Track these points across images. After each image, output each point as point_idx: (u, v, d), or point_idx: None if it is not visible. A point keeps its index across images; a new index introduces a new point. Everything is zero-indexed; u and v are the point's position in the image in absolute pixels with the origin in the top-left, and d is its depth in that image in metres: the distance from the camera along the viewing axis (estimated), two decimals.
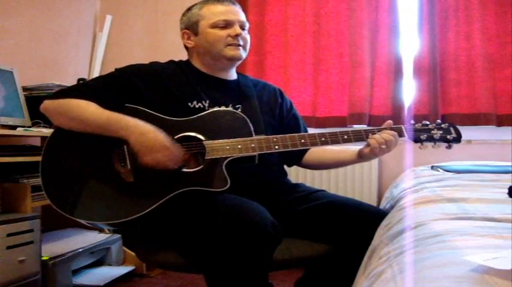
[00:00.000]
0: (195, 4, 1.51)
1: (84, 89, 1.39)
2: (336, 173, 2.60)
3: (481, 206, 1.06)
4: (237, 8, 1.49)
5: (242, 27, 1.47)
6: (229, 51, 1.45)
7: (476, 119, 2.46)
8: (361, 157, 1.44)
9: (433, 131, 1.38)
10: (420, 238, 0.82)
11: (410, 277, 0.63)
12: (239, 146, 1.31)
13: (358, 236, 1.27)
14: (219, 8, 1.46)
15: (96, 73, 2.91)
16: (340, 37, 2.66)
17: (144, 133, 1.28)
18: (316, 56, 2.69)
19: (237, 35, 1.45)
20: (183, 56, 1.58)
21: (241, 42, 1.47)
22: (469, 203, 1.12)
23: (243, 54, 1.49)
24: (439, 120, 1.42)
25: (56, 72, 2.70)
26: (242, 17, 1.49)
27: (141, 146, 1.28)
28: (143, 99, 1.38)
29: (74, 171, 1.34)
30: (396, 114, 2.53)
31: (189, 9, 1.51)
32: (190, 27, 1.49)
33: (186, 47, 1.54)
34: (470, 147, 2.47)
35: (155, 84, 1.41)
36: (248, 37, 1.50)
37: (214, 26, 1.44)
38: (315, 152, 1.58)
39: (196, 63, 1.52)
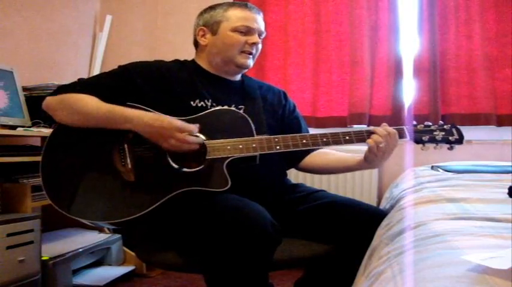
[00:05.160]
0: (220, 4, 1.50)
1: (85, 85, 1.39)
2: None
3: (481, 206, 1.06)
4: (261, 17, 1.50)
5: (259, 36, 1.48)
6: (241, 59, 1.46)
7: (476, 119, 2.46)
8: (367, 162, 1.41)
9: (435, 133, 1.37)
10: (420, 238, 0.82)
11: (410, 277, 0.63)
12: (240, 146, 1.31)
13: (358, 236, 1.27)
14: (245, 13, 1.46)
15: (96, 73, 2.91)
16: (340, 37, 2.66)
17: (150, 124, 1.27)
18: (316, 56, 2.69)
19: (253, 44, 1.46)
20: (183, 56, 1.57)
21: (253, 51, 1.48)
22: (469, 203, 1.12)
23: (252, 63, 1.50)
24: (441, 122, 1.42)
25: (56, 72, 2.70)
26: (263, 26, 1.50)
27: (153, 135, 1.28)
28: (145, 97, 1.38)
29: (75, 170, 1.33)
30: (396, 114, 2.53)
31: (212, 7, 1.50)
32: (210, 25, 1.47)
33: (196, 45, 1.54)
34: (470, 147, 2.47)
35: (157, 82, 1.41)
36: (260, 46, 1.50)
37: (235, 30, 1.44)
38: (320, 157, 1.56)
39: (203, 62, 1.52)
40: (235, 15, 1.45)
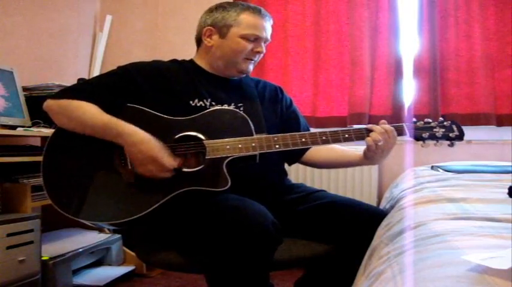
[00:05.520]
0: (233, 4, 1.46)
1: (86, 89, 1.39)
2: (336, 173, 2.60)
3: (481, 206, 1.06)
4: (270, 25, 1.49)
5: (264, 42, 1.48)
6: (243, 65, 1.46)
7: (476, 119, 2.46)
8: (366, 158, 1.42)
9: (435, 129, 1.37)
10: (420, 238, 0.82)
11: (410, 277, 0.63)
12: (240, 146, 1.31)
13: (358, 236, 1.27)
14: (257, 21, 1.44)
15: (96, 73, 2.91)
16: (340, 37, 2.66)
17: (134, 144, 1.27)
18: (316, 56, 2.69)
19: (258, 52, 1.46)
20: (183, 56, 1.57)
21: (256, 58, 1.48)
22: (469, 203, 1.12)
23: (252, 68, 1.50)
24: (441, 118, 1.41)
25: (56, 72, 2.70)
26: (270, 34, 1.49)
27: (132, 157, 1.28)
28: (144, 97, 1.38)
29: (75, 171, 1.34)
30: (396, 114, 2.53)
31: (224, 7, 1.46)
32: (219, 27, 1.44)
33: (198, 43, 1.52)
34: (470, 147, 2.47)
35: (157, 82, 1.41)
36: (263, 53, 1.50)
37: (244, 37, 1.43)
38: (322, 151, 1.56)
39: (202, 62, 1.51)
40: (247, 22, 1.43)
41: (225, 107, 1.42)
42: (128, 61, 1.48)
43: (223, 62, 1.47)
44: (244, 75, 1.53)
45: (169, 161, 1.27)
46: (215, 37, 1.46)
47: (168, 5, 3.01)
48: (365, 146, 1.38)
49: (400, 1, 2.58)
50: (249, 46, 1.44)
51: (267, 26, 1.47)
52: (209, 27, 1.46)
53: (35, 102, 2.20)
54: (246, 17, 1.43)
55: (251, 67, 1.49)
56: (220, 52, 1.46)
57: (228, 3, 1.49)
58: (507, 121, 2.43)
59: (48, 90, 2.27)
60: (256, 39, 1.44)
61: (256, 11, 1.45)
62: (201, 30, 1.49)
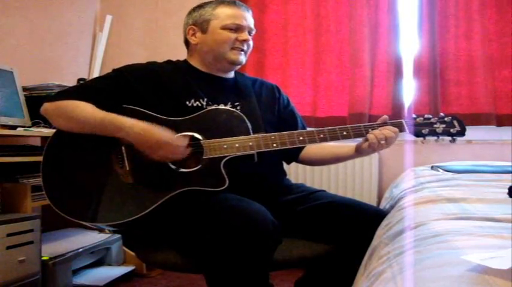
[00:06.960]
0: (208, 2, 1.50)
1: (82, 91, 1.39)
2: (336, 173, 2.60)
3: (481, 206, 1.06)
4: (250, 15, 1.50)
5: (249, 33, 1.49)
6: (232, 55, 1.46)
7: (476, 119, 2.46)
8: (358, 152, 1.43)
9: (435, 125, 1.36)
10: (420, 238, 0.82)
11: (410, 277, 0.63)
12: (237, 145, 1.31)
13: (358, 236, 1.27)
14: (233, 11, 1.46)
15: (96, 73, 2.91)
16: (340, 37, 2.66)
17: (139, 134, 1.28)
18: (316, 56, 2.68)
19: (244, 41, 1.47)
20: (183, 56, 1.58)
21: (245, 48, 1.49)
22: (469, 203, 1.12)
23: (244, 59, 1.50)
24: (442, 114, 1.39)
25: (56, 72, 2.70)
26: (252, 23, 1.50)
27: (141, 146, 1.29)
28: (141, 99, 1.38)
29: (74, 171, 1.34)
30: (396, 114, 2.53)
31: (201, 6, 1.50)
32: (199, 24, 1.48)
33: (187, 44, 1.54)
34: (470, 147, 2.47)
35: (152, 83, 1.41)
36: (251, 43, 1.51)
37: (225, 27, 1.45)
38: (313, 148, 1.57)
39: (195, 62, 1.52)
40: (225, 13, 1.46)
41: (222, 106, 1.42)
42: (128, 61, 1.49)
43: (212, 56, 1.48)
44: (238, 67, 1.53)
45: (178, 139, 1.29)
46: (198, 34, 1.48)
47: (168, 5, 3.00)
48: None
49: (400, 1, 2.58)
50: (232, 36, 1.45)
51: (246, 15, 1.48)
52: (191, 26, 1.49)
53: (35, 102, 2.20)
54: (222, 10, 1.46)
55: (242, 57, 1.49)
56: (207, 47, 1.47)
57: (205, 2, 1.52)
58: (507, 121, 2.43)
59: (48, 90, 2.27)
60: (238, 29, 1.46)
61: (231, 3, 1.48)
62: (185, 31, 1.51)
